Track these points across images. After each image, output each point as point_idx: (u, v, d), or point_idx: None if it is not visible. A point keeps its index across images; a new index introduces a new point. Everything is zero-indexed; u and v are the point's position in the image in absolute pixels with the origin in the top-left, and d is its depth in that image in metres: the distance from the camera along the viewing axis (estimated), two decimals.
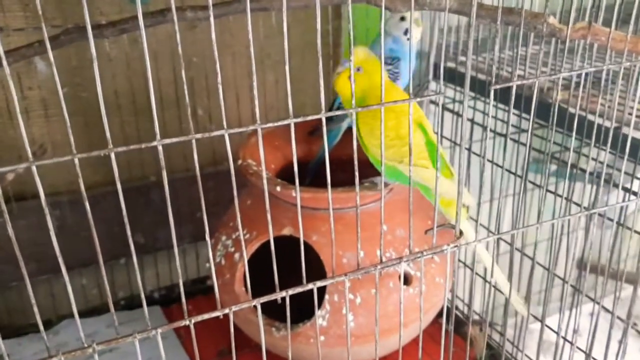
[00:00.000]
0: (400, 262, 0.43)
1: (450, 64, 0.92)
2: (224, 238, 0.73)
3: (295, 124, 0.41)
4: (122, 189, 0.88)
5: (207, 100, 0.89)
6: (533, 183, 0.74)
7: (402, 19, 0.69)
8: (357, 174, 0.41)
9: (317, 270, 0.66)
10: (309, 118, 0.39)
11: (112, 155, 0.33)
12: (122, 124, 0.85)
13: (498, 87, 0.41)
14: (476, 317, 0.88)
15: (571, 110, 0.72)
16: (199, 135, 0.35)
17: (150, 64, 0.81)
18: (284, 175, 0.74)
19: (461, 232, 0.45)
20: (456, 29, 0.95)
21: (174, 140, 0.34)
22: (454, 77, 0.90)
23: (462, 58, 0.90)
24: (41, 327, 0.37)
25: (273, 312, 0.66)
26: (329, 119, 0.75)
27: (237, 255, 0.70)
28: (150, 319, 0.95)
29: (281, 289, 0.43)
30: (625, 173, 0.66)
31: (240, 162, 0.70)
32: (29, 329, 0.85)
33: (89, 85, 0.81)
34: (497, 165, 0.80)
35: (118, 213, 0.39)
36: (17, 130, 0.82)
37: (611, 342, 0.67)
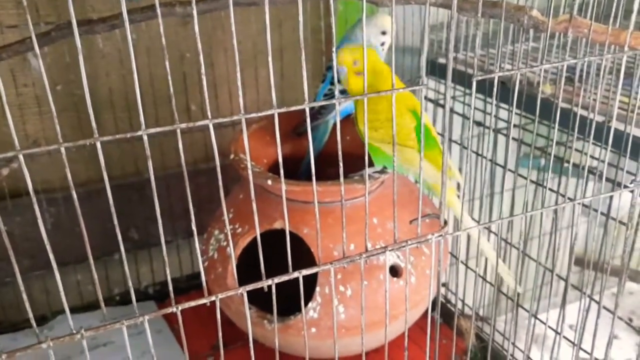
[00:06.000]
0: (385, 250, 0.43)
1: (442, 60, 0.93)
2: (216, 232, 0.74)
3: (285, 119, 0.42)
4: (117, 184, 0.88)
5: (200, 96, 0.89)
6: (522, 176, 0.75)
7: (384, 33, 0.74)
8: (341, 165, 0.41)
9: (310, 264, 0.67)
10: (293, 109, 0.40)
11: (98, 144, 0.34)
12: (116, 120, 0.86)
13: (480, 77, 0.42)
14: (467, 310, 0.89)
15: (562, 104, 0.72)
16: (183, 125, 0.35)
17: (144, 60, 0.83)
18: (277, 170, 0.74)
19: (446, 222, 0.46)
20: (448, 24, 0.96)
21: (159, 129, 0.35)
22: (445, 73, 0.91)
23: (454, 54, 0.91)
24: (31, 316, 0.37)
25: (266, 305, 0.66)
26: (314, 115, 0.76)
27: (229, 249, 0.71)
28: (144, 313, 0.96)
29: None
30: (613, 166, 0.67)
31: (232, 156, 0.71)
32: (24, 325, 0.86)
33: (81, 81, 0.81)
34: (483, 157, 0.80)
35: (110, 208, 0.39)
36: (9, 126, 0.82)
37: (603, 335, 0.68)
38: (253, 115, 0.37)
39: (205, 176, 0.87)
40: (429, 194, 0.84)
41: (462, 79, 0.90)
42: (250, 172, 0.41)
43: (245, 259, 0.70)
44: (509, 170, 0.75)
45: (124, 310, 0.88)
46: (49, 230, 0.85)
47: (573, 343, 0.66)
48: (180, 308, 0.39)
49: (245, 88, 0.90)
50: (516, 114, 0.82)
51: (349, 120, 0.80)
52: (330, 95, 0.76)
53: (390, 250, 0.43)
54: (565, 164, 0.73)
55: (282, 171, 0.41)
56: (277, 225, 0.68)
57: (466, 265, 0.87)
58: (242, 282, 0.70)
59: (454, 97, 0.93)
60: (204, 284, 0.41)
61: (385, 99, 0.60)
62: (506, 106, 0.85)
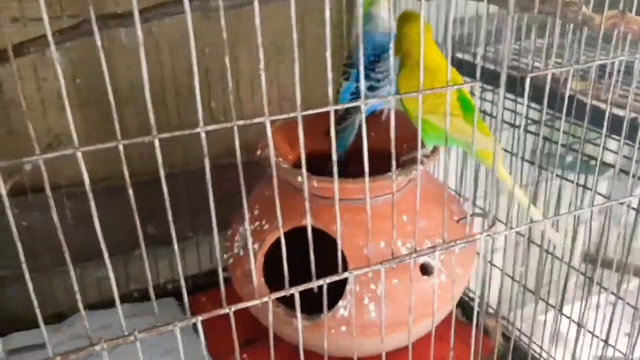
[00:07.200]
0: (435, 250, 0.43)
1: (459, 55, 0.92)
2: (242, 229, 0.73)
3: (317, 117, 0.41)
4: (138, 180, 0.87)
5: (222, 92, 0.89)
6: (560, 176, 0.74)
7: None
8: (394, 161, 0.41)
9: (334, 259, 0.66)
10: (317, 111, 0.39)
11: (156, 142, 0.33)
12: (138, 116, 0.85)
13: (533, 74, 0.41)
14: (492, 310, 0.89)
15: (592, 102, 0.72)
16: (240, 122, 0.34)
17: (166, 56, 0.82)
18: (299, 166, 0.74)
19: (494, 221, 0.45)
20: (469, 20, 0.95)
21: (216, 127, 0.34)
22: (462, 68, 0.90)
23: (473, 50, 0.90)
24: (83, 312, 0.37)
25: (292, 303, 0.66)
26: (340, 118, 0.75)
27: (256, 246, 0.70)
28: (165, 311, 0.94)
29: (305, 278, 0.44)
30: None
31: (259, 152, 0.70)
32: (36, 324, 0.85)
33: (103, 76, 0.80)
34: (511, 153, 0.80)
35: (130, 205, 0.39)
36: (32, 121, 0.81)
37: (622, 333, 0.68)
38: (277, 117, 0.37)
39: (230, 171, 0.85)
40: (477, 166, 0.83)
41: (482, 74, 0.89)
42: (305, 178, 0.40)
43: (271, 253, 0.69)
44: (545, 169, 0.74)
45: (143, 307, 0.88)
46: (70, 225, 0.84)
47: (605, 341, 0.66)
48: (233, 309, 0.39)
49: (265, 84, 0.89)
50: (539, 111, 0.81)
51: (373, 117, 0.79)
52: (357, 95, 0.75)
53: (439, 250, 0.43)
54: (592, 161, 0.73)
55: (304, 169, 0.40)
56: (306, 222, 0.67)
57: (487, 260, 0.86)
58: (269, 280, 0.70)
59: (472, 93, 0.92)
60: (255, 281, 0.40)
61: (428, 72, 0.59)
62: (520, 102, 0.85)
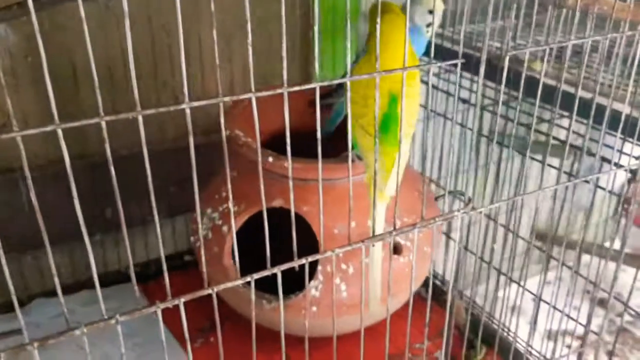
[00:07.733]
0: (415, 228, 0.43)
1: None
2: (209, 211, 0.72)
3: (291, 94, 0.40)
4: (93, 163, 0.84)
5: (186, 68, 0.86)
6: (520, 152, 0.76)
7: (430, 12, 0.69)
8: (319, 144, 0.41)
9: (310, 240, 0.66)
10: (270, 93, 0.38)
11: (60, 132, 0.31)
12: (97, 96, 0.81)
13: (513, 52, 0.42)
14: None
15: (549, 81, 0.74)
16: (227, 98, 0.34)
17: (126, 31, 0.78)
18: (271, 145, 0.73)
19: (470, 199, 0.46)
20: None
21: (203, 102, 0.33)
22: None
23: (439, 30, 0.90)
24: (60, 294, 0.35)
25: (262, 283, 0.65)
26: (330, 93, 0.74)
27: (225, 228, 0.69)
28: (127, 296, 0.92)
29: (272, 260, 0.44)
30: (594, 141, 0.68)
31: (227, 132, 0.69)
32: None
33: (59, 52, 0.76)
34: (469, 128, 0.81)
35: (90, 188, 0.37)
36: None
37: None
38: (231, 98, 0.36)
39: (188, 153, 0.84)
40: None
41: (448, 56, 0.90)
42: (224, 152, 0.39)
43: (239, 236, 0.68)
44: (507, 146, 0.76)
45: (104, 293, 0.85)
46: (25, 211, 0.81)
47: (566, 314, 0.69)
48: (183, 300, 0.38)
49: (232, 62, 0.87)
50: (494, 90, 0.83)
51: None
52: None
53: (418, 228, 0.43)
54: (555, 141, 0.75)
55: (258, 145, 0.40)
56: (276, 203, 0.67)
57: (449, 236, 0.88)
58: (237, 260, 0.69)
59: (438, 75, 0.93)
60: (204, 272, 0.39)
61: (369, 66, 0.57)
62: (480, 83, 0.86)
